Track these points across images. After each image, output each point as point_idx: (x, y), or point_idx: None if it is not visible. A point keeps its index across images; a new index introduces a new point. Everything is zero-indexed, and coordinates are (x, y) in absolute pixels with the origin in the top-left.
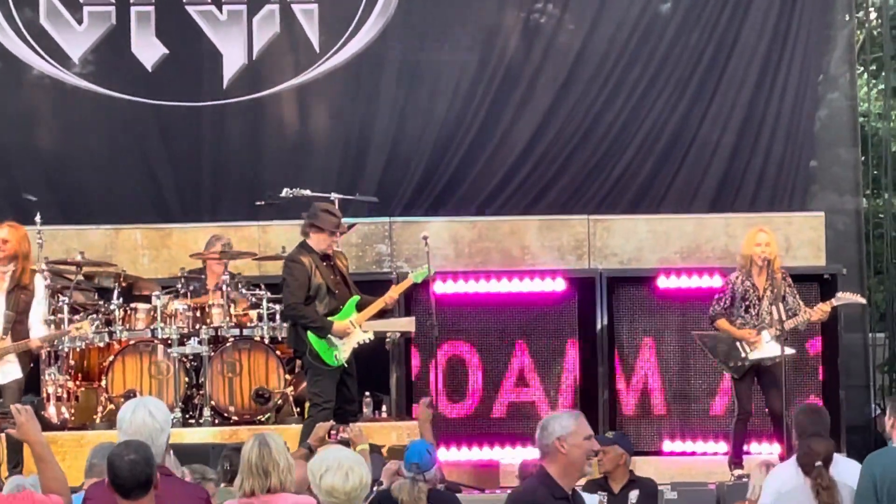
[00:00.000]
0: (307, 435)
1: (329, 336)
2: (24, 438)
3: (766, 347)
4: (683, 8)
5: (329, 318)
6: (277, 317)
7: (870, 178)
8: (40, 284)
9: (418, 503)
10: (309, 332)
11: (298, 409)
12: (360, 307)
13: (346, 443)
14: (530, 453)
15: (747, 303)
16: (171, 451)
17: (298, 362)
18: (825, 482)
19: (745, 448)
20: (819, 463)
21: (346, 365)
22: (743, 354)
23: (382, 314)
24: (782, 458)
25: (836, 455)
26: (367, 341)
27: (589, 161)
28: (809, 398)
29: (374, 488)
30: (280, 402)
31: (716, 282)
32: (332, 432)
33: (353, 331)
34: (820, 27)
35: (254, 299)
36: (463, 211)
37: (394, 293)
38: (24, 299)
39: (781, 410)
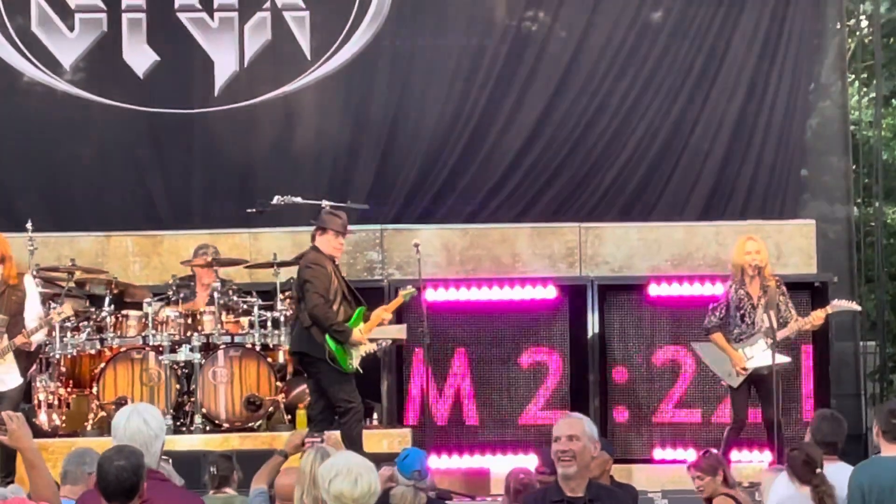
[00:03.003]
0: (354, 444)
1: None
2: (16, 445)
3: (763, 356)
4: (674, 16)
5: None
6: (269, 324)
7: (861, 186)
8: (31, 283)
9: None
10: (327, 336)
11: (290, 417)
12: (365, 318)
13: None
14: (520, 461)
15: (742, 311)
16: (171, 460)
17: (290, 368)
18: (829, 489)
19: (730, 456)
20: (820, 470)
21: (359, 371)
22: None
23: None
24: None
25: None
26: (372, 352)
27: (580, 169)
28: (803, 407)
29: None
30: (271, 409)
31: (706, 290)
32: (311, 440)
33: (364, 341)
34: (811, 36)
35: (245, 307)
36: (454, 218)
37: (388, 310)
38: (15, 300)
39: (773, 419)
